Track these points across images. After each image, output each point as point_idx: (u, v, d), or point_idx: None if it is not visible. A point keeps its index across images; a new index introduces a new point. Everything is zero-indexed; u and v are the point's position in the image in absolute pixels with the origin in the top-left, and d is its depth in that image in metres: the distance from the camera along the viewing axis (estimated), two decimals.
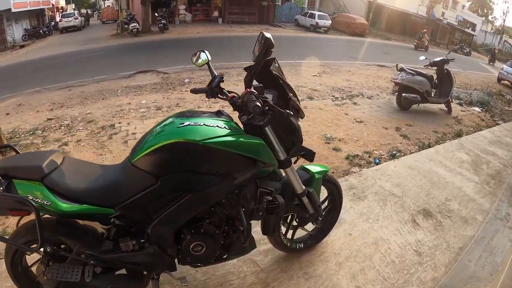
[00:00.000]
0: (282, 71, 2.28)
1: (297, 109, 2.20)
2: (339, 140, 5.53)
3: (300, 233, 2.88)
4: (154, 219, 1.99)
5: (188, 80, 10.62)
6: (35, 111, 9.01)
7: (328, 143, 5.40)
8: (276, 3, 31.83)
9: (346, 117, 6.77)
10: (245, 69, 2.15)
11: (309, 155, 2.44)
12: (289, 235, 2.81)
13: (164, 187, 1.91)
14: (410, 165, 4.68)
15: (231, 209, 2.12)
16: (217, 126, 1.95)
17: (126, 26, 24.89)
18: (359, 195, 3.80)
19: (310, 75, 11.28)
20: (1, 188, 1.89)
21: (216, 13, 30.22)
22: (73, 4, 45.52)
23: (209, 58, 2.43)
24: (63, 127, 7.24)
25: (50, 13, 37.35)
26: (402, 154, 5.15)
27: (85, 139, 6.34)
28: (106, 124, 7.02)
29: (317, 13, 28.78)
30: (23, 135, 7.08)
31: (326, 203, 2.92)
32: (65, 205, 1.86)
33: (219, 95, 2.29)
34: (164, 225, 2.02)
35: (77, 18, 31.59)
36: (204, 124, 1.93)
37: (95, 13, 47.07)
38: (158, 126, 2.04)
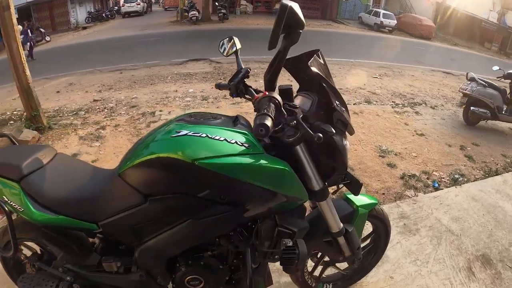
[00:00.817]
0: (328, 69, 1.69)
1: (345, 123, 1.61)
2: (396, 154, 4.93)
3: (330, 269, 2.38)
4: (143, 242, 1.65)
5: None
6: (84, 91, 9.28)
7: (383, 156, 4.82)
8: None
9: (406, 128, 6.11)
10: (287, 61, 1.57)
11: (354, 186, 1.84)
12: (316, 272, 2.33)
13: (154, 209, 1.54)
14: (473, 195, 3.96)
15: (239, 246, 1.72)
16: (224, 140, 1.45)
17: (186, 13, 25.36)
18: (410, 228, 3.22)
19: (370, 76, 10.58)
20: None
21: (277, 6, 29.96)
22: None
23: (238, 47, 1.90)
24: (106, 110, 7.30)
25: None
26: (465, 179, 4.43)
27: (124, 125, 6.30)
28: (148, 111, 6.98)
29: (382, 11, 27.41)
30: (66, 114, 7.22)
31: (368, 241, 2.40)
32: (38, 214, 1.64)
33: (245, 95, 1.79)
34: (155, 251, 1.66)
35: (139, 4, 32.67)
36: (206, 136, 1.44)
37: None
38: (155, 132, 1.64)
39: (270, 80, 1.43)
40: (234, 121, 1.63)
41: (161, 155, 1.44)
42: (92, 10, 33.09)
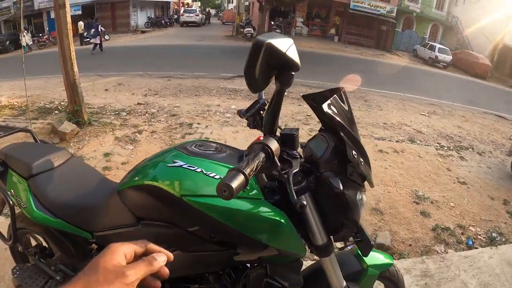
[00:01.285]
0: (352, 112, 1.49)
1: (362, 176, 1.43)
2: (432, 202, 4.65)
3: None
4: None
5: (285, 93, 10.26)
6: (130, 93, 9.72)
7: (417, 203, 4.57)
8: (396, 29, 30.51)
9: (448, 174, 5.77)
10: (304, 97, 1.43)
11: (365, 246, 1.61)
12: None
13: (145, 232, 1.53)
14: (509, 260, 3.58)
15: (225, 286, 1.67)
16: (219, 178, 1.31)
17: (241, 29, 26.08)
18: None
19: (418, 113, 10.20)
20: None
21: (333, 31, 30.37)
22: (199, 2, 48.52)
23: None
24: (147, 115, 7.52)
25: (175, 7, 40.22)
26: (504, 239, 4.05)
27: (160, 132, 6.45)
28: (186, 121, 7.10)
29: (437, 45, 26.67)
30: (108, 113, 7.56)
31: None
32: (38, 214, 1.75)
33: (261, 127, 1.63)
34: None
35: (198, 15, 34.10)
36: (201, 171, 1.37)
37: (219, 13, 49.70)
38: (157, 156, 1.64)
39: (269, 123, 1.29)
40: (241, 156, 1.55)
41: (154, 183, 1.42)
42: (152, 16, 34.58)
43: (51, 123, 6.55)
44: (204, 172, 1.37)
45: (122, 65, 12.72)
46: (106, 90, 10.07)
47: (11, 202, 1.89)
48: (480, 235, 4.05)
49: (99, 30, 19.69)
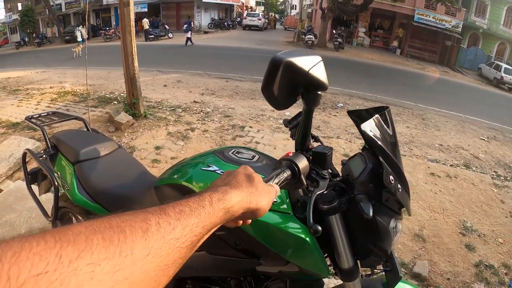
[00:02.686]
0: (395, 134, 1.43)
1: (399, 203, 1.34)
2: (479, 235, 4.43)
3: None
4: None
5: (342, 105, 10.26)
6: (188, 91, 10.12)
7: (464, 234, 4.38)
8: (461, 45, 29.24)
9: (501, 206, 5.46)
10: (349, 112, 1.38)
11: (392, 277, 1.57)
12: None
13: None
14: None
15: None
16: None
17: (303, 36, 26.25)
18: None
19: (477, 137, 9.75)
20: (45, 156, 2.19)
21: (395, 43, 29.67)
22: (263, 7, 48.98)
23: None
24: (202, 113, 7.68)
25: (239, 10, 40.92)
26: None
27: (212, 132, 6.58)
28: (239, 124, 7.19)
29: (504, 65, 25.04)
30: (164, 108, 7.88)
31: None
32: (79, 197, 1.89)
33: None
34: None
35: (260, 19, 34.65)
36: None
37: (281, 18, 50.11)
38: (195, 158, 1.69)
39: (300, 141, 1.29)
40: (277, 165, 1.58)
41: (186, 184, 1.47)
42: (216, 18, 35.44)
43: (108, 112, 6.96)
44: None
45: (183, 63, 13.17)
46: (165, 86, 10.54)
47: (56, 183, 2.06)
48: None
49: (191, 25, 20.66)
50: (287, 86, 1.07)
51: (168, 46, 21.83)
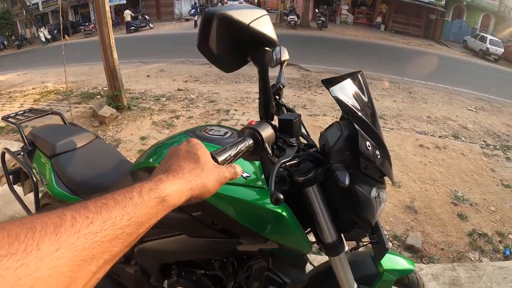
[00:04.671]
0: (371, 98, 1.37)
1: (380, 171, 1.27)
2: (471, 204, 4.40)
3: None
4: (142, 241, 1.69)
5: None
6: (171, 79, 10.12)
7: (455, 204, 4.34)
8: (445, 19, 29.13)
9: (491, 175, 5.43)
10: (323, 81, 1.25)
11: (379, 249, 1.55)
12: None
13: None
14: None
15: (226, 275, 1.63)
16: None
17: (285, 17, 26.03)
18: None
19: (465, 108, 9.74)
20: (22, 153, 2.21)
21: (379, 19, 29.55)
22: None
23: (284, 58, 1.60)
24: (186, 100, 7.65)
25: None
26: None
27: (197, 118, 6.56)
28: (224, 108, 7.16)
29: (489, 37, 25.07)
30: (148, 98, 7.88)
31: None
32: (57, 190, 1.88)
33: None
34: (150, 253, 1.70)
35: (241, 3, 33.67)
36: None
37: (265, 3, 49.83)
38: (167, 140, 1.66)
39: (264, 108, 1.17)
40: None
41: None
42: (196, 4, 34.96)
43: (92, 107, 6.86)
44: None
45: (165, 52, 13.10)
46: (148, 76, 10.53)
47: (34, 179, 2.07)
48: None
49: (197, 10, 20.62)
50: (227, 43, 0.97)
51: (150, 36, 21.59)
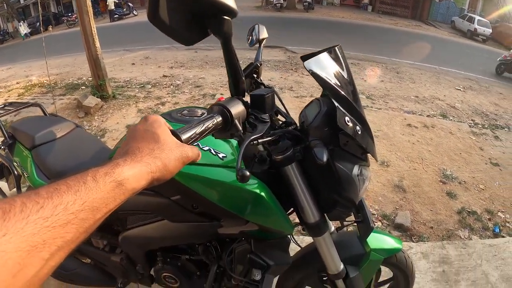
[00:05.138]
0: (350, 72, 1.27)
1: (362, 148, 1.20)
2: (460, 183, 4.36)
3: None
4: (126, 229, 1.66)
5: None
6: (157, 66, 9.97)
7: (444, 182, 4.30)
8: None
9: (480, 154, 5.41)
10: (302, 58, 1.15)
11: (364, 228, 1.52)
12: None
13: (133, 201, 1.33)
14: None
15: (210, 259, 1.60)
16: (197, 144, 1.22)
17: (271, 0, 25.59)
18: (449, 277, 2.72)
19: (453, 87, 9.71)
20: (3, 147, 2.19)
21: (366, 0, 29.09)
22: None
23: (263, 37, 1.61)
24: (172, 86, 7.65)
25: None
26: None
27: (183, 104, 6.59)
28: (210, 92, 7.12)
29: (477, 17, 24.99)
30: (133, 86, 7.89)
31: (384, 287, 2.02)
32: (39, 182, 1.85)
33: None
34: (134, 240, 1.67)
35: None
36: None
37: None
38: None
39: (233, 84, 1.06)
40: None
41: None
42: None
43: (77, 98, 6.77)
44: None
45: (150, 39, 12.86)
46: (133, 64, 10.42)
47: (15, 172, 2.08)
48: (509, 222, 3.73)
49: None
50: (180, 13, 0.86)
51: (134, 24, 21.26)
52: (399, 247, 1.74)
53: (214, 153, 1.27)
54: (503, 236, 3.46)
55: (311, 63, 1.09)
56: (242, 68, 1.46)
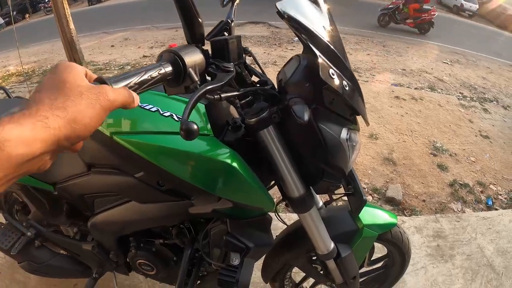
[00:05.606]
0: (333, 21, 1.09)
1: (351, 108, 1.05)
2: (450, 155, 4.24)
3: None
4: (94, 214, 1.46)
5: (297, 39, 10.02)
6: (137, 47, 9.70)
7: (435, 155, 4.16)
8: None
9: (469, 126, 5.30)
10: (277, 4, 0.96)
11: (356, 202, 1.35)
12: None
13: (97, 181, 1.32)
14: None
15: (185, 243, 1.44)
16: (156, 110, 1.09)
17: None
18: (444, 252, 2.61)
19: (440, 61, 9.57)
20: None
21: None
22: None
23: None
24: None
25: None
26: None
27: None
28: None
29: None
30: (112, 68, 7.70)
31: (379, 264, 1.86)
32: None
33: None
34: (103, 225, 1.47)
35: None
36: (139, 105, 1.03)
37: None
38: None
39: (188, 29, 0.86)
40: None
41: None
42: None
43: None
44: (140, 104, 1.01)
45: (130, 20, 12.58)
46: (112, 46, 10.10)
47: None
48: (501, 195, 3.65)
49: None
50: None
51: (113, 6, 20.63)
52: (394, 222, 1.59)
53: (177, 119, 1.07)
54: (496, 209, 3.36)
55: (284, 4, 0.91)
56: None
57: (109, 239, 1.55)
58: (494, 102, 6.81)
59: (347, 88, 0.97)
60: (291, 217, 2.54)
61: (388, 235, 1.59)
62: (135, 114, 1.10)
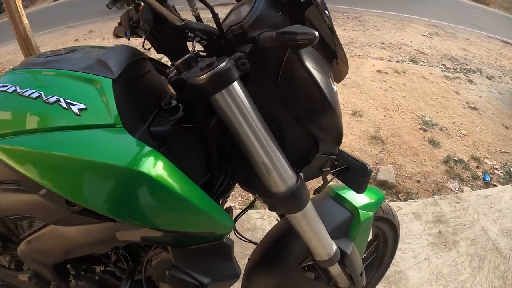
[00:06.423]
0: None
1: (331, 49, 0.89)
2: (441, 129, 3.98)
3: None
4: (21, 239, 1.11)
5: None
6: (101, 38, 9.30)
7: (425, 130, 3.90)
8: None
9: (456, 98, 5.06)
10: None
11: (355, 173, 1.05)
12: None
13: (5, 200, 0.96)
14: None
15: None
16: (44, 99, 0.72)
17: None
18: (447, 238, 2.35)
19: (419, 34, 9.34)
20: None
21: None
22: None
23: None
24: None
25: None
26: None
27: None
28: (157, 57, 6.40)
29: None
30: None
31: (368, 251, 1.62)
32: None
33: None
34: (31, 252, 1.13)
35: None
36: (15, 91, 0.71)
37: None
38: None
39: None
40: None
41: None
42: None
43: None
44: (19, 90, 0.73)
45: (95, 12, 12.05)
46: (76, 40, 9.72)
47: None
48: (497, 169, 3.44)
49: None
50: None
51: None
52: (382, 195, 1.40)
53: (65, 105, 0.71)
54: (495, 185, 3.14)
55: None
56: None
57: (44, 267, 1.23)
58: (478, 73, 6.61)
59: (318, 15, 0.77)
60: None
61: (380, 212, 1.41)
62: (12, 106, 0.75)
